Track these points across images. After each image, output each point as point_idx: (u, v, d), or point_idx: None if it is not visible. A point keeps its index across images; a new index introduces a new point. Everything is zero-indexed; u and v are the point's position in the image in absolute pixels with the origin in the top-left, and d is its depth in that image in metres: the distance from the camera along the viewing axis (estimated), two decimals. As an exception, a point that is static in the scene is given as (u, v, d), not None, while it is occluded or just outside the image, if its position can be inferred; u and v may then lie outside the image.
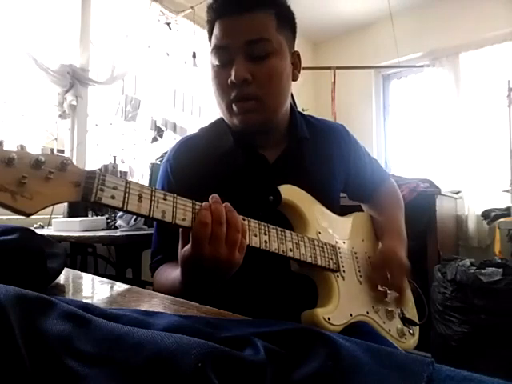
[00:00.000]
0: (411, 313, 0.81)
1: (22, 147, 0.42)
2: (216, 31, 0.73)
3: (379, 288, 0.74)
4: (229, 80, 0.71)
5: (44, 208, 0.42)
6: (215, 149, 0.80)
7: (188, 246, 0.52)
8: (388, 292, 0.77)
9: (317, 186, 0.77)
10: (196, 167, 0.79)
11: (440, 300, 1.82)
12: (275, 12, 0.73)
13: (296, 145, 0.82)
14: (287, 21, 0.77)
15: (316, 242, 0.66)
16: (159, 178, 0.83)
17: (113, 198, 0.47)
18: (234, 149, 0.79)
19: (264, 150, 0.79)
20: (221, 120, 0.85)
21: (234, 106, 0.73)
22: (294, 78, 0.81)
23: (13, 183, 0.40)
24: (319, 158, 0.84)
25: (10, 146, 0.41)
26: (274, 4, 0.74)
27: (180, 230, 0.54)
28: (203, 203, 0.53)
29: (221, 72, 0.74)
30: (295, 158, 0.81)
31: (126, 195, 0.48)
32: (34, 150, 0.42)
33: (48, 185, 0.42)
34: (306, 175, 0.79)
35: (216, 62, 0.74)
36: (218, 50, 0.73)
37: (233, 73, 0.70)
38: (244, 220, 0.57)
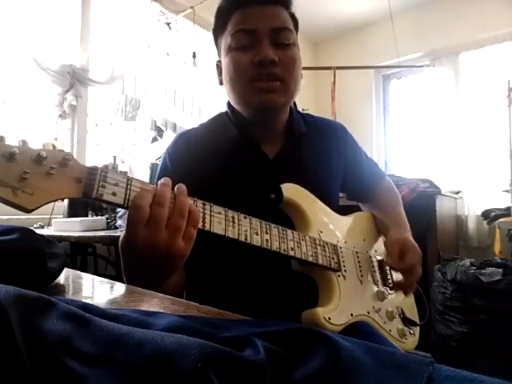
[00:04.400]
0: (412, 313, 0.81)
1: (24, 142, 0.41)
2: (240, 17, 0.75)
3: (380, 288, 0.74)
4: (256, 59, 0.72)
5: (45, 204, 0.42)
6: (217, 141, 0.81)
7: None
8: (389, 292, 0.77)
9: (315, 181, 0.77)
10: (195, 157, 0.79)
11: (440, 300, 1.82)
12: (289, 13, 0.79)
13: (294, 141, 0.82)
14: (296, 25, 0.81)
15: (317, 242, 0.66)
16: (158, 168, 0.84)
17: (114, 194, 0.46)
18: (236, 142, 0.80)
19: (263, 145, 0.80)
20: (222, 114, 0.87)
21: (256, 85, 0.74)
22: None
23: (14, 178, 0.39)
24: (317, 153, 0.84)
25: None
26: (290, 5, 0.79)
27: None
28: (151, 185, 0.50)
29: (241, 53, 0.75)
30: (294, 155, 0.81)
31: (128, 192, 0.48)
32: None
33: (49, 180, 0.42)
34: (305, 171, 0.80)
35: (237, 45, 0.75)
36: (245, 32, 0.74)
37: (262, 53, 0.72)
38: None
